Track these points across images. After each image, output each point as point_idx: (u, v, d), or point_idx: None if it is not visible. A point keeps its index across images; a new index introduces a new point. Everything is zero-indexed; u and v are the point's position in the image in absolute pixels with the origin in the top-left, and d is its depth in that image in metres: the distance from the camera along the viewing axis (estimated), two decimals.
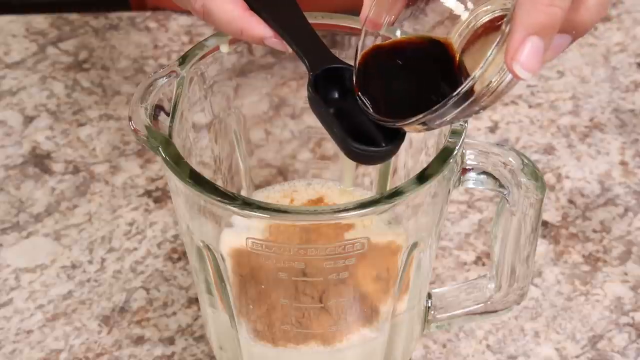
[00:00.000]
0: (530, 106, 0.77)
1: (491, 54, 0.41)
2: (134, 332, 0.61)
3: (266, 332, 0.53)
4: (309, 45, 0.50)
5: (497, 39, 0.41)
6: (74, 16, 0.85)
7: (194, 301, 0.63)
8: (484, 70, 0.41)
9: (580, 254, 0.66)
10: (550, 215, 0.68)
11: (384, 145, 0.46)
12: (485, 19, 0.48)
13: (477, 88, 0.42)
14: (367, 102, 0.47)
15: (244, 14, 0.50)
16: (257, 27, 0.50)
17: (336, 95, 0.49)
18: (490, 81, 0.42)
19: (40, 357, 0.60)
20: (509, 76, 0.42)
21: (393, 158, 0.57)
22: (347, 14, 0.55)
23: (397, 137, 0.47)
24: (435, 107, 0.42)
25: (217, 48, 0.53)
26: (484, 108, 0.43)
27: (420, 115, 0.43)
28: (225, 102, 0.56)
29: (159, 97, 0.50)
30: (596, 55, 0.82)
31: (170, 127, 0.50)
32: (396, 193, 0.46)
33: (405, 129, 0.46)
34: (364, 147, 0.46)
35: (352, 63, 0.49)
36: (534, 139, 0.74)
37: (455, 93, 0.42)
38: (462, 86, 0.41)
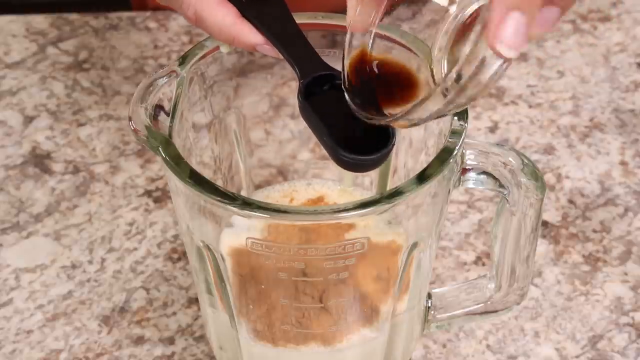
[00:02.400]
0: (530, 106, 0.77)
1: (466, 48, 0.40)
2: (134, 332, 0.61)
3: (266, 332, 0.53)
4: (299, 52, 0.50)
5: (476, 29, 0.40)
6: (74, 16, 0.85)
7: (194, 301, 0.63)
8: (459, 67, 0.40)
9: (580, 254, 0.66)
10: (550, 215, 0.68)
11: (373, 153, 0.46)
12: (472, 9, 0.47)
13: (451, 85, 0.41)
14: (355, 101, 0.48)
15: (235, 21, 0.50)
16: (248, 35, 0.50)
17: (327, 102, 0.49)
18: (468, 76, 0.41)
19: (40, 357, 0.60)
20: (495, 66, 0.41)
21: (393, 158, 0.57)
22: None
23: (386, 145, 0.47)
24: (412, 105, 0.42)
25: (217, 48, 0.53)
26: (472, 99, 0.43)
27: (401, 113, 0.43)
28: (225, 102, 0.56)
29: (159, 97, 0.50)
30: (596, 55, 0.82)
31: (170, 127, 0.50)
32: (396, 193, 0.46)
33: (394, 125, 0.46)
34: (352, 156, 0.46)
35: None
36: (534, 139, 0.74)
37: (425, 95, 0.42)
38: (433, 90, 0.41)
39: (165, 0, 0.53)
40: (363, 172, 0.48)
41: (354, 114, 0.47)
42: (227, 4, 0.51)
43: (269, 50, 0.51)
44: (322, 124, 0.47)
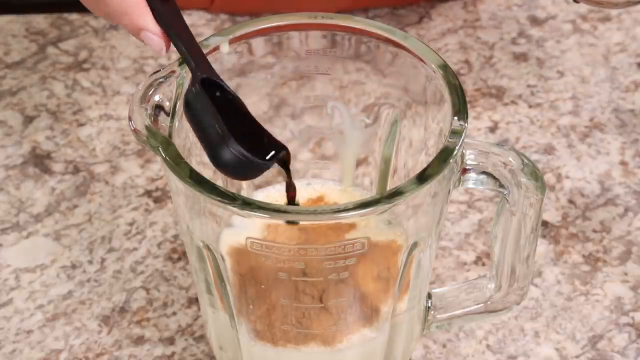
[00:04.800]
0: (530, 106, 0.77)
1: None
2: (134, 332, 0.61)
3: (266, 332, 0.53)
4: (197, 52, 0.51)
5: None
6: (74, 16, 0.85)
7: (194, 301, 0.63)
8: None
9: (580, 254, 0.66)
10: (550, 215, 0.68)
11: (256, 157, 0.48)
12: None
13: None
14: None
15: (138, 2, 0.50)
16: (142, 17, 0.50)
17: (219, 102, 0.49)
18: None
19: (40, 357, 0.60)
20: None
21: (393, 158, 0.57)
22: (346, 14, 0.55)
23: (276, 156, 0.48)
24: None
25: (217, 48, 0.53)
26: None
27: None
28: None
29: (159, 97, 0.50)
30: (596, 55, 0.82)
31: (170, 127, 0.50)
32: (396, 193, 0.46)
33: None
34: (243, 152, 0.47)
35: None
36: (534, 139, 0.74)
37: None
38: None
39: None
40: (241, 178, 0.49)
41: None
42: None
43: (153, 40, 0.51)
44: (218, 114, 0.48)
